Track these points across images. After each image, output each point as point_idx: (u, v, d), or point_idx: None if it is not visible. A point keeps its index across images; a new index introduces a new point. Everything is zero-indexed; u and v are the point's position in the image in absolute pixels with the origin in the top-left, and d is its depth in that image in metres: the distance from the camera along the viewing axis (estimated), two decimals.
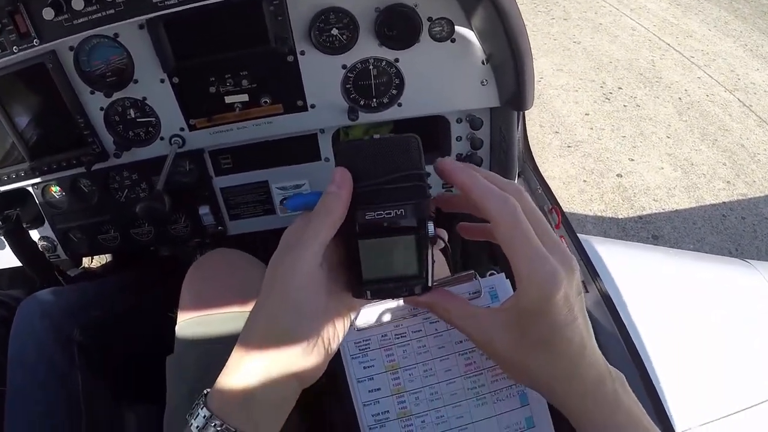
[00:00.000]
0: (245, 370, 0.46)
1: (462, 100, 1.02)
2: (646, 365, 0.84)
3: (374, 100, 1.02)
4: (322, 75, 0.98)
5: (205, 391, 0.48)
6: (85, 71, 0.94)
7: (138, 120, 1.01)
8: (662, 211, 2.93)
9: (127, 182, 1.11)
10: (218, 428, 0.45)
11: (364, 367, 0.61)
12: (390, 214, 0.47)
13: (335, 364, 0.59)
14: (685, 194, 3.02)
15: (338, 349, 0.55)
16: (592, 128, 3.46)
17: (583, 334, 0.46)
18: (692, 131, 3.44)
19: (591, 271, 0.93)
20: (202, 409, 0.46)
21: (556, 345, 0.46)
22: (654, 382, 0.82)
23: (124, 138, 1.03)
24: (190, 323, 0.85)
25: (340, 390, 0.61)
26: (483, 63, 0.97)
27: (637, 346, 0.86)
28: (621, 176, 3.12)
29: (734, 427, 1.18)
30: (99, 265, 1.58)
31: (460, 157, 1.11)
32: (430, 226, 0.48)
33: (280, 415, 0.48)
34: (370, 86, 1.00)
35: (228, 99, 0.98)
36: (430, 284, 0.50)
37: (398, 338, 0.61)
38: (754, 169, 3.15)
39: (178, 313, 0.87)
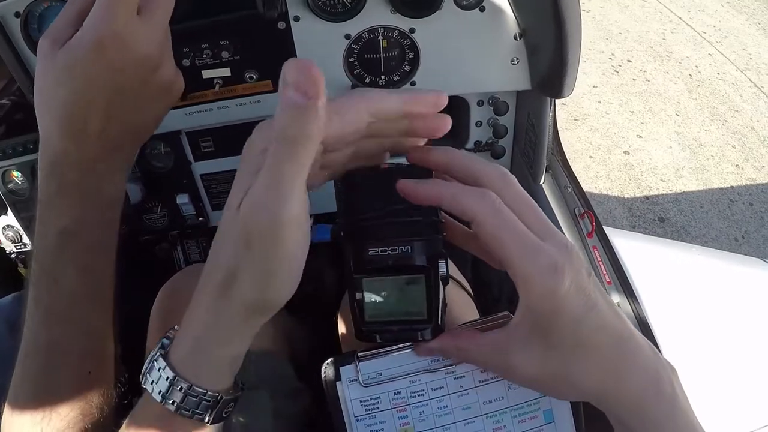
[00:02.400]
0: (212, 322, 0.40)
1: (487, 80, 0.86)
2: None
3: (383, 77, 0.86)
4: (320, 46, 0.82)
5: (163, 341, 0.44)
6: (36, 41, 0.77)
7: None
8: (669, 192, 2.87)
9: None
10: (188, 392, 0.41)
11: (372, 431, 0.48)
12: (395, 251, 0.42)
13: (335, 426, 0.49)
14: (693, 176, 2.94)
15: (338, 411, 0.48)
16: (599, 101, 3.34)
17: (612, 320, 0.39)
18: (702, 110, 3.34)
19: (629, 294, 0.80)
20: (163, 370, 0.41)
21: (586, 340, 0.39)
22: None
23: None
24: None
25: None
26: (516, 38, 0.81)
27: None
28: (628, 153, 3.04)
29: None
30: None
31: (479, 145, 0.96)
32: (442, 266, 0.43)
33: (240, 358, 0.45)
34: (378, 60, 0.84)
35: (206, 74, 0.82)
36: (441, 327, 0.45)
37: (414, 396, 0.49)
38: (763, 154, 3.09)
39: (147, 345, 0.74)
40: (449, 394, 0.48)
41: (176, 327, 0.44)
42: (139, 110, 0.53)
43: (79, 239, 0.53)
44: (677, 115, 3.30)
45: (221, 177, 0.98)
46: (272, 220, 0.34)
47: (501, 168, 0.42)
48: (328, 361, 0.48)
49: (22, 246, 1.07)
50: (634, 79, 3.54)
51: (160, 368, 0.42)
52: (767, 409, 1.15)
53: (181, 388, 0.41)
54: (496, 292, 1.10)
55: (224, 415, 0.44)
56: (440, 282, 0.43)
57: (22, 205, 1.00)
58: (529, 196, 0.42)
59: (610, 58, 3.68)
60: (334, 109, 0.36)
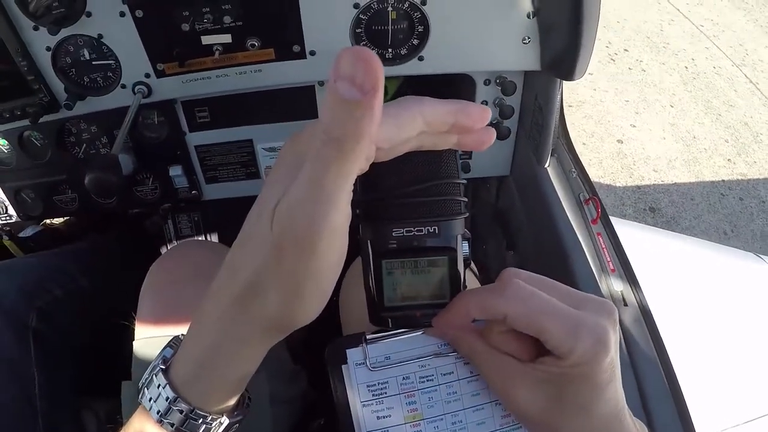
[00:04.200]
0: (223, 339, 0.37)
1: (496, 58, 0.83)
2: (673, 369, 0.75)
3: (390, 50, 0.83)
4: (326, 14, 0.78)
5: (165, 352, 0.41)
6: (27, 1, 0.74)
7: (94, 63, 0.82)
8: (661, 183, 2.88)
9: (85, 136, 0.93)
10: (189, 416, 0.38)
11: (378, 417, 0.46)
12: (421, 231, 0.40)
13: (339, 411, 0.46)
14: (685, 168, 2.95)
15: (343, 396, 0.45)
16: (595, 89, 3.34)
17: (619, 392, 0.39)
18: (696, 103, 3.34)
19: (632, 282, 0.79)
20: (163, 388, 0.38)
21: (594, 409, 0.38)
22: (679, 386, 0.74)
23: (77, 85, 0.84)
24: (149, 343, 0.68)
25: None
26: (528, 17, 0.78)
27: (666, 351, 0.76)
28: (621, 142, 3.04)
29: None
30: (62, 221, 1.39)
31: None
32: (465, 246, 0.42)
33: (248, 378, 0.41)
34: (386, 33, 0.81)
35: (205, 40, 0.79)
36: None
37: (423, 381, 0.47)
38: (755, 150, 3.11)
39: (136, 324, 0.70)
40: (459, 380, 0.47)
41: (181, 336, 0.41)
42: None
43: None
44: (672, 106, 3.29)
45: (216, 149, 0.95)
46: (311, 227, 0.30)
47: (505, 274, 0.41)
48: (334, 342, 0.46)
49: (8, 218, 1.03)
50: (630, 69, 3.52)
51: (159, 385, 0.39)
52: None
53: (182, 410, 0.38)
54: (494, 276, 1.09)
55: None
56: (463, 263, 0.42)
57: (8, 175, 0.97)
58: (548, 278, 0.41)
59: (607, 47, 3.66)
60: (391, 114, 0.32)
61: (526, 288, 0.38)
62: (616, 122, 3.14)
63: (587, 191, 0.87)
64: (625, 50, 3.67)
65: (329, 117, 0.27)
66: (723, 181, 2.91)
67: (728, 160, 3.02)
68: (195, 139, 0.94)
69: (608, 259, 0.81)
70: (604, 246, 0.82)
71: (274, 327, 0.36)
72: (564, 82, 0.83)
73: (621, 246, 0.83)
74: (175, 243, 1.21)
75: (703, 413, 0.89)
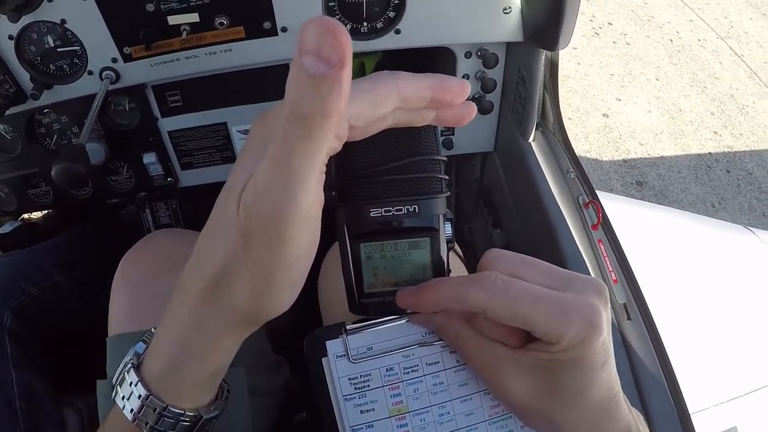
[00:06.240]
0: (192, 331, 0.35)
1: (476, 30, 0.80)
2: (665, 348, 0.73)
3: (365, 24, 0.80)
4: None
5: (137, 347, 0.39)
6: None
7: (59, 50, 0.79)
8: (647, 156, 2.88)
9: (56, 126, 0.90)
10: (163, 414, 0.36)
11: (362, 412, 0.44)
12: (400, 211, 0.38)
13: (320, 406, 0.44)
14: (671, 141, 2.95)
15: (324, 390, 0.43)
16: (579, 63, 3.31)
17: (614, 374, 0.38)
18: (682, 76, 3.33)
19: (621, 259, 0.76)
20: (135, 386, 0.37)
21: (588, 393, 0.37)
22: (671, 363, 0.72)
23: (43, 73, 0.81)
24: (121, 340, 0.65)
25: None
26: None
27: (658, 331, 0.75)
28: (607, 116, 3.03)
29: (748, 406, 1.14)
30: (41, 216, 1.35)
31: None
32: (448, 227, 0.39)
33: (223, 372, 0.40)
34: (360, 5, 0.78)
35: (172, 20, 0.75)
36: None
37: (408, 372, 0.44)
38: (741, 122, 3.11)
39: (109, 320, 0.68)
40: (445, 370, 0.44)
41: (153, 329, 0.39)
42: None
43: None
44: (657, 79, 3.28)
45: (190, 134, 0.92)
46: (278, 212, 0.28)
47: (487, 256, 0.39)
48: (312, 334, 0.43)
49: None
50: (614, 42, 3.50)
51: (131, 383, 0.37)
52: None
53: (155, 408, 0.36)
54: (480, 256, 1.07)
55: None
56: (446, 245, 0.39)
57: None
58: (532, 257, 0.39)
59: (591, 20, 3.63)
60: (365, 89, 0.30)
61: (503, 278, 0.36)
62: (601, 96, 3.12)
63: (586, 194, 0.83)
64: (609, 24, 3.64)
65: (295, 94, 0.25)
66: (710, 153, 2.92)
67: (714, 132, 3.02)
68: (168, 124, 0.91)
69: (610, 269, 0.77)
70: (605, 254, 0.79)
71: (244, 318, 0.34)
72: (559, 50, 0.80)
73: (608, 220, 0.81)
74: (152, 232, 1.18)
75: (694, 388, 0.88)
